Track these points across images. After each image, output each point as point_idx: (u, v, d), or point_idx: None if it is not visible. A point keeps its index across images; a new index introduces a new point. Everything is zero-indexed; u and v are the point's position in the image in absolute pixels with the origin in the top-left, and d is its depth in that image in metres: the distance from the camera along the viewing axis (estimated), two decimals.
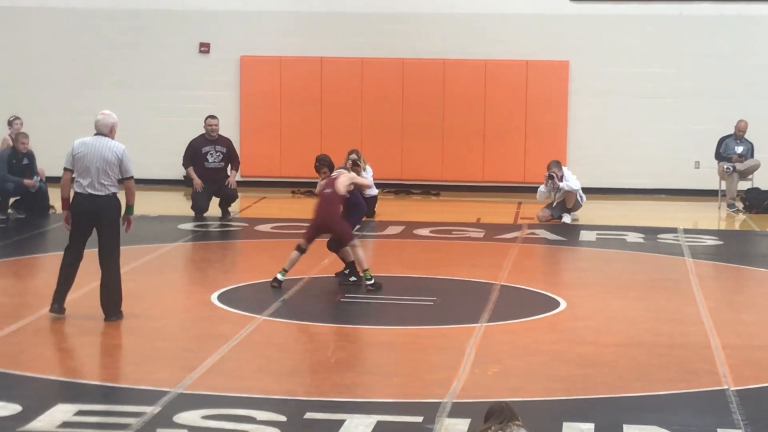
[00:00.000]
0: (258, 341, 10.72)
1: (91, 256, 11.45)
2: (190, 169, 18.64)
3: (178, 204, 20.24)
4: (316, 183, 13.71)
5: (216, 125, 18.73)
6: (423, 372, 9.86)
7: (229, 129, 20.49)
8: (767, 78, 22.31)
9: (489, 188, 22.62)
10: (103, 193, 11.18)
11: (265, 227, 17.65)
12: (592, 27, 22.52)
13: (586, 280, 14.17)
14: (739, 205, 20.53)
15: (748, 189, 20.72)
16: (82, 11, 23.06)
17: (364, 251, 13.35)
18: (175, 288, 13.62)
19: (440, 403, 8.69)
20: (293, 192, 22.20)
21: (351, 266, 13.35)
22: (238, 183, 19.37)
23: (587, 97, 22.52)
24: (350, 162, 19.40)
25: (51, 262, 13.60)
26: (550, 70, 22.49)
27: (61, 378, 9.54)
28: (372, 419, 8.26)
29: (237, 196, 18.95)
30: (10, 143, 18.28)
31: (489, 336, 10.97)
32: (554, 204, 18.88)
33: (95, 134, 11.28)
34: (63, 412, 8.34)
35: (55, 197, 16.03)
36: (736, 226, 19.30)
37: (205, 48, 23.07)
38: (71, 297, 11.43)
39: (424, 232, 17.52)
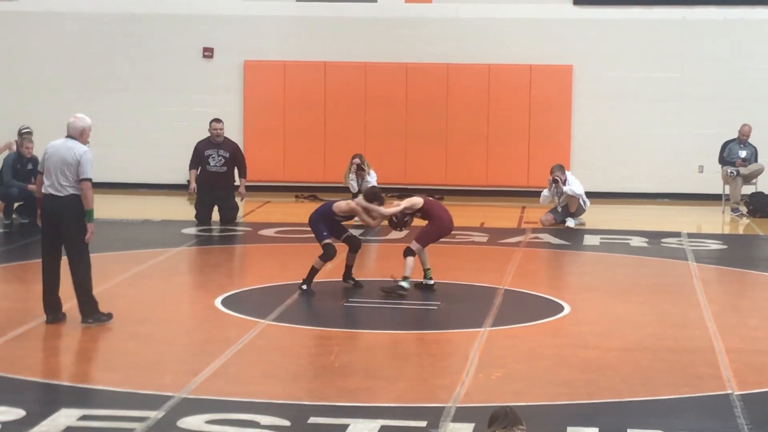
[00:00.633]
0: (262, 346, 10.72)
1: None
2: (192, 172, 18.58)
3: (182, 208, 20.22)
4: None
5: (221, 129, 18.60)
6: (427, 376, 9.86)
7: (232, 133, 20.46)
8: None
9: (492, 192, 22.61)
10: (62, 194, 11.13)
11: (268, 232, 17.64)
12: (595, 31, 22.51)
13: (590, 285, 14.15)
14: (743, 209, 20.50)
15: (752, 193, 20.69)
16: (87, 16, 23.08)
17: (367, 256, 13.33)
18: (179, 292, 13.60)
19: (444, 407, 8.69)
20: (297, 196, 22.17)
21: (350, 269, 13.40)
22: None
23: (591, 101, 22.50)
24: (354, 166, 19.50)
25: None
26: (553, 75, 22.48)
27: (64, 383, 9.55)
28: (376, 424, 8.26)
29: (236, 217, 18.63)
30: (14, 148, 18.28)
31: (493, 340, 10.97)
32: (558, 208, 18.87)
33: (66, 137, 11.28)
34: (66, 416, 8.35)
35: None
36: (740, 231, 19.28)
37: (208, 53, 23.08)
38: (74, 302, 11.40)
39: None
